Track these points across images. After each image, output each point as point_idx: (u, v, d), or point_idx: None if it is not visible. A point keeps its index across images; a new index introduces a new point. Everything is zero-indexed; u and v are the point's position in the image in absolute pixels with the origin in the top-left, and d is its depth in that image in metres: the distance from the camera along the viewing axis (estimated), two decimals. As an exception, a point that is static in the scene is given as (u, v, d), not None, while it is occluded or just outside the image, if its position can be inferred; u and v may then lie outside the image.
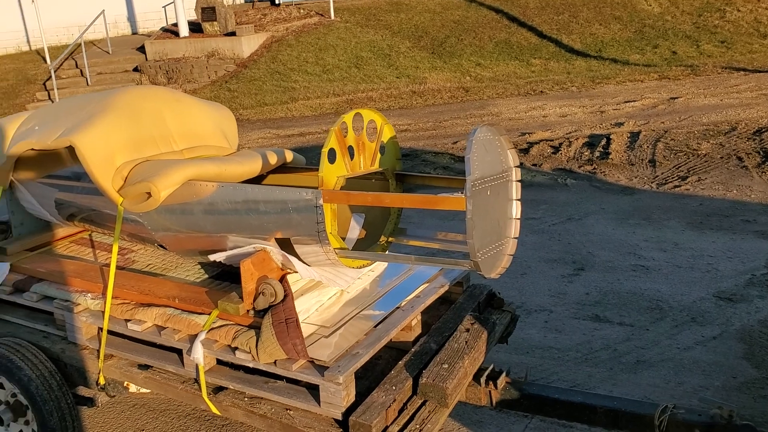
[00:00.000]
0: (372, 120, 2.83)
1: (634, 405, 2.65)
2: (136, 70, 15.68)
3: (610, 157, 8.16)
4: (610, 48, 14.63)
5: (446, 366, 2.58)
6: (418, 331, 3.02)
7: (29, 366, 2.99)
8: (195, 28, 16.66)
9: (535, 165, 8.16)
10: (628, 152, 8.27)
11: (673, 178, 7.39)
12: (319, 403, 2.44)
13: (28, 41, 20.20)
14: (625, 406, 2.63)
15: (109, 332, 2.94)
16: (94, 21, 16.49)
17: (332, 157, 2.59)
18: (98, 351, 2.94)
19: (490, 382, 2.83)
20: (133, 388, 3.12)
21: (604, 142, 8.74)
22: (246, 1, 20.57)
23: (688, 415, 2.53)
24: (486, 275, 2.42)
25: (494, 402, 2.87)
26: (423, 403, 2.54)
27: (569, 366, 3.98)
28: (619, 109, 10.48)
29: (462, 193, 2.31)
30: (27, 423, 3.23)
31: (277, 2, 19.22)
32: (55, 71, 15.24)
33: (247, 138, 10.59)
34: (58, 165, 3.16)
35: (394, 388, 2.50)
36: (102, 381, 2.96)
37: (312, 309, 2.88)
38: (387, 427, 2.40)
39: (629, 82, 12.48)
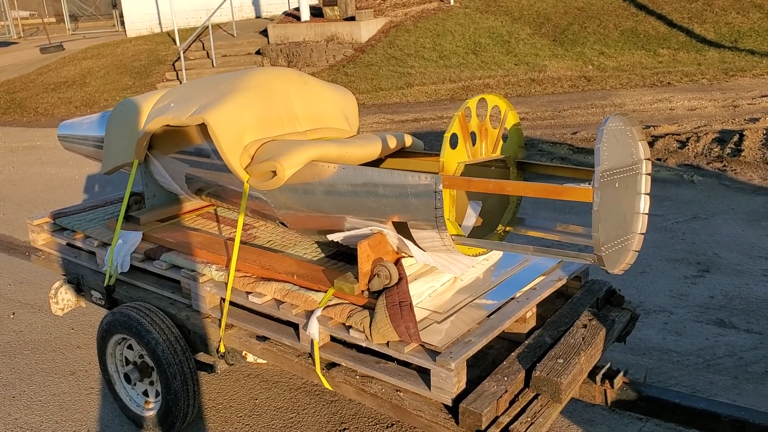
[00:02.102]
0: (496, 106, 2.78)
1: (764, 417, 2.48)
2: (258, 53, 16.19)
3: (743, 154, 7.65)
4: (748, 38, 13.66)
5: (561, 361, 2.51)
6: (533, 323, 2.96)
7: (157, 330, 3.17)
8: (316, 12, 16.99)
9: (659, 159, 7.79)
10: (763, 150, 7.72)
11: (813, 179, 6.86)
12: (429, 387, 2.45)
13: (160, 24, 21.37)
14: (754, 418, 2.46)
15: (231, 303, 3.07)
16: (221, 5, 17.15)
17: (454, 142, 2.56)
18: (220, 320, 3.08)
19: (606, 381, 2.74)
20: (250, 357, 3.25)
21: (736, 138, 8.20)
22: (366, -13, 20.76)
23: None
24: (609, 270, 2.33)
25: (609, 401, 2.77)
26: (535, 397, 2.49)
27: (689, 371, 3.78)
28: (755, 104, 9.79)
29: (589, 184, 2.23)
30: (152, 384, 3.44)
31: (397, -12, 19.26)
32: (183, 53, 15.99)
33: (361, 122, 10.70)
34: (190, 141, 3.31)
35: (506, 378, 2.47)
36: (222, 349, 3.10)
37: (424, 294, 2.88)
38: (497, 417, 2.37)
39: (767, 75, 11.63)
